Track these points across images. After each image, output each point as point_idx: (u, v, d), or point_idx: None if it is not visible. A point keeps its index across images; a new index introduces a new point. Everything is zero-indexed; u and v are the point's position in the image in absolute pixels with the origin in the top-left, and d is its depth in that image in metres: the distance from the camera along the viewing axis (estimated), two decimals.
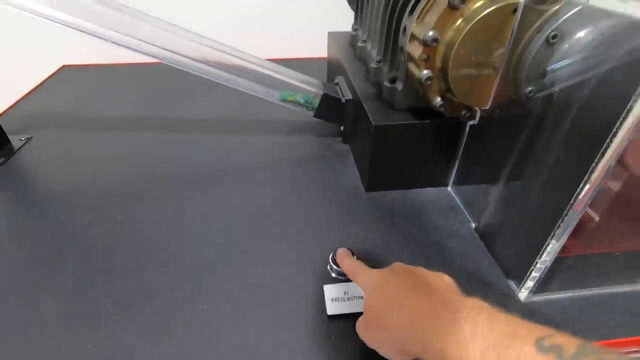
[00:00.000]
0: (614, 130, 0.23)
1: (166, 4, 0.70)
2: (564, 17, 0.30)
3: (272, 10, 0.82)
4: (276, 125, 0.59)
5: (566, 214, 0.28)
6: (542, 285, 0.33)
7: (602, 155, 0.24)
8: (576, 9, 0.30)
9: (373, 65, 0.47)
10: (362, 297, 0.32)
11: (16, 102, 0.65)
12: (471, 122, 0.41)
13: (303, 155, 0.53)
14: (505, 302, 0.34)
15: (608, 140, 0.24)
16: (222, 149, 0.54)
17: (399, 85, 0.41)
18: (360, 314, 0.28)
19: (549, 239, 0.29)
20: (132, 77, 0.74)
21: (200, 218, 0.42)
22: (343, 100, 0.50)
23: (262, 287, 0.34)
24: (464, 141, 0.42)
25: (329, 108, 0.52)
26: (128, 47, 0.42)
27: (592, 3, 0.29)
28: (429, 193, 0.46)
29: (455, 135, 0.42)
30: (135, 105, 0.65)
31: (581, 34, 0.29)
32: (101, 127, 0.58)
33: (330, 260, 0.35)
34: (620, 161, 0.26)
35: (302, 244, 0.39)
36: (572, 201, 0.27)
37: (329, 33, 0.69)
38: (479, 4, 0.32)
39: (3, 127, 0.53)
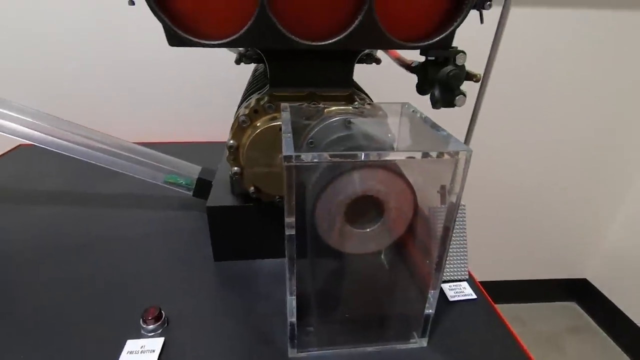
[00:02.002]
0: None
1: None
2: (316, 129, 0.42)
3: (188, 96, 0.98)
4: (169, 201, 0.70)
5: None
6: (304, 344, 0.40)
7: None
8: (322, 125, 0.42)
9: None
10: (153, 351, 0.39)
11: None
12: None
13: (179, 228, 0.62)
14: (279, 356, 0.40)
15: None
16: (112, 222, 0.63)
17: (235, 176, 0.52)
18: None
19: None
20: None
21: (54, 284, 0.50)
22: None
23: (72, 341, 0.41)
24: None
25: (204, 189, 0.62)
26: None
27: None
28: (271, 263, 0.55)
29: (278, 216, 0.52)
30: (53, 182, 0.76)
31: (326, 140, 0.41)
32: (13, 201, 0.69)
33: (141, 319, 0.42)
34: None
35: (124, 303, 0.46)
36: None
37: None
38: (259, 123, 0.45)
39: None
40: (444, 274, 0.50)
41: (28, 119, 0.58)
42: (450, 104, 0.42)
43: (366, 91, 0.52)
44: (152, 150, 0.63)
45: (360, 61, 0.50)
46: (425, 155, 0.31)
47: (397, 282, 0.42)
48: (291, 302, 0.37)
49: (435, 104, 0.43)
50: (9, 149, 0.89)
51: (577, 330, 1.38)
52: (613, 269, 1.32)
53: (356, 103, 0.44)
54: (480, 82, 0.43)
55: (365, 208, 0.35)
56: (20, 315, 0.44)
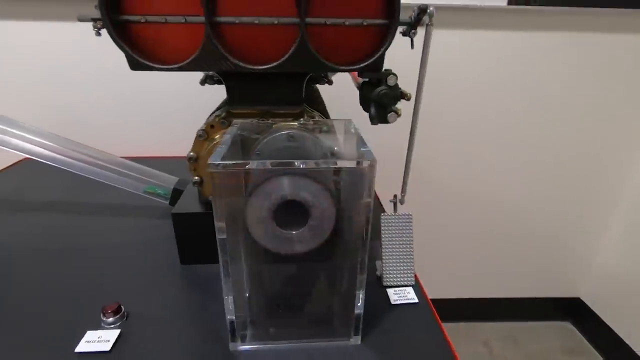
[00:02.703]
0: None
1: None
2: (262, 142, 0.47)
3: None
4: (153, 211, 0.75)
5: None
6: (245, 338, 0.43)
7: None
8: (268, 138, 0.47)
9: None
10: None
11: None
12: None
13: (156, 234, 0.67)
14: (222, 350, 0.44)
15: None
16: (96, 229, 0.69)
17: (196, 185, 0.57)
18: None
19: None
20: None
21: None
22: None
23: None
24: None
25: (178, 198, 0.67)
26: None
27: None
28: None
29: None
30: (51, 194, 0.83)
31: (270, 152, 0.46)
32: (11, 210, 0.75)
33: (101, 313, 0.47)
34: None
35: (91, 300, 0.50)
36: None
37: None
38: (216, 136, 0.50)
39: None
40: (389, 279, 0.53)
41: (32, 137, 0.65)
42: (384, 120, 0.46)
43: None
44: (135, 163, 0.69)
45: (315, 81, 0.55)
46: (324, 165, 0.35)
47: (335, 283, 0.45)
48: (228, 301, 0.41)
49: (372, 120, 0.48)
50: (15, 161, 0.97)
51: (571, 350, 1.35)
52: (605, 288, 1.30)
53: (302, 120, 0.49)
54: (415, 99, 0.47)
55: (294, 212, 0.39)
56: None
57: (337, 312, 0.45)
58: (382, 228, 0.56)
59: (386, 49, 0.43)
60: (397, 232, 0.56)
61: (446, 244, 1.28)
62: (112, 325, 0.46)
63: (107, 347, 0.43)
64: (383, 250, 0.55)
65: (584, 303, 1.38)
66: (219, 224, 0.37)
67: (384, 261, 0.54)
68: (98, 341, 0.44)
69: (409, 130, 0.47)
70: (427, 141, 1.09)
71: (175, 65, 0.43)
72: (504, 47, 1.00)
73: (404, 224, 0.57)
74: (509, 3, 0.93)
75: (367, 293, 0.52)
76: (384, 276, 0.54)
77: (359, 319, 0.43)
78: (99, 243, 0.64)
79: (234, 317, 0.42)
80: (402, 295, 0.52)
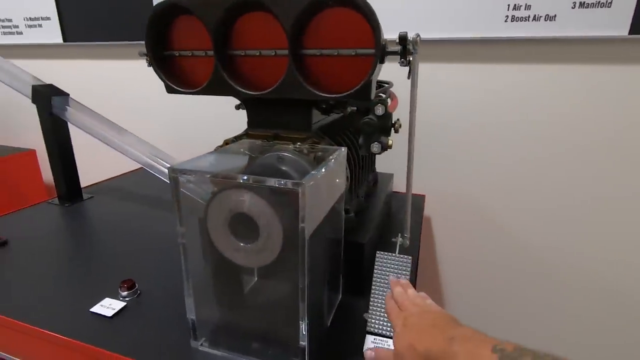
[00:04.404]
0: None
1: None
2: (258, 160, 0.51)
3: None
4: None
5: None
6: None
7: None
8: (262, 157, 0.50)
9: None
10: None
11: (102, 181, 1.12)
12: None
13: None
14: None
15: None
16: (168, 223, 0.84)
17: None
18: None
19: None
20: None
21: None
22: None
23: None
24: None
25: None
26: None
27: None
28: None
29: None
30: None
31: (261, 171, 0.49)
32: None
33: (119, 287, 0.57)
34: None
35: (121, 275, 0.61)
36: None
37: None
38: None
39: (81, 186, 0.97)
40: (372, 325, 0.48)
41: (146, 149, 0.85)
42: (368, 149, 0.45)
43: None
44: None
45: (327, 111, 0.57)
46: (256, 181, 0.36)
47: (284, 307, 0.44)
48: (189, 301, 0.45)
49: (360, 149, 0.46)
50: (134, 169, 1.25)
51: None
52: None
53: (298, 144, 0.51)
54: (409, 132, 0.44)
55: (248, 226, 0.41)
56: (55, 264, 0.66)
57: (286, 338, 0.44)
58: (376, 267, 0.52)
59: (370, 77, 0.42)
60: (392, 274, 0.51)
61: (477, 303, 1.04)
62: (129, 299, 0.56)
63: (109, 313, 0.52)
64: (373, 291, 0.51)
65: None
66: (179, 229, 0.42)
67: (371, 302, 0.50)
68: (108, 307, 0.54)
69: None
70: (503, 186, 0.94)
71: (195, 90, 0.52)
72: (624, 82, 0.80)
73: (401, 267, 0.51)
74: (631, 32, 0.75)
75: (347, 329, 0.49)
76: (368, 320, 0.49)
77: (304, 352, 0.41)
78: (160, 234, 0.78)
79: (194, 317, 0.46)
80: (379, 346, 0.47)
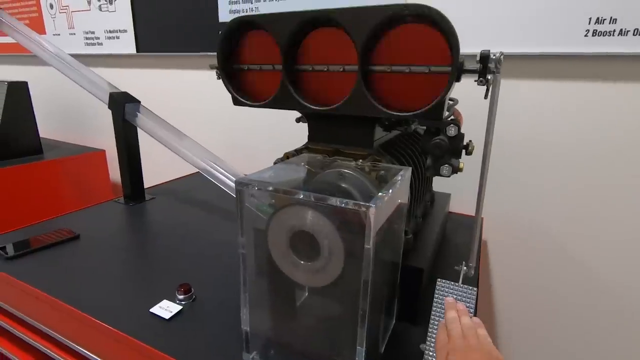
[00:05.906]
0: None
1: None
2: (318, 175, 0.50)
3: None
4: None
5: None
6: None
7: None
8: (324, 172, 0.50)
9: None
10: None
11: (161, 183, 1.18)
12: None
13: None
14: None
15: None
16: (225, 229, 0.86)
17: None
18: None
19: None
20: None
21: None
22: None
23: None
24: None
25: None
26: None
27: None
28: None
29: None
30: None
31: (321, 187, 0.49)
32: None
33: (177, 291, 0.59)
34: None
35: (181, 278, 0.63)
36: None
37: None
38: None
39: (144, 187, 1.03)
40: (428, 358, 0.45)
41: (201, 153, 0.89)
42: (437, 172, 0.42)
43: None
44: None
45: (389, 128, 0.55)
46: (321, 200, 0.35)
47: (343, 331, 0.43)
48: (244, 312, 0.45)
49: (427, 170, 0.44)
50: (190, 172, 1.31)
51: None
52: None
53: (360, 161, 0.49)
54: (483, 152, 0.41)
55: (309, 244, 0.41)
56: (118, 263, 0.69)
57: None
58: (436, 296, 0.49)
59: (443, 96, 0.40)
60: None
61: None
62: (185, 302, 0.57)
63: (167, 316, 0.54)
64: (431, 321, 0.48)
65: None
66: (240, 239, 0.42)
67: (429, 334, 0.47)
68: (166, 309, 0.55)
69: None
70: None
71: (261, 103, 0.53)
72: None
73: (464, 299, 0.48)
74: None
75: (400, 358, 0.47)
76: (425, 352, 0.46)
77: None
78: (220, 240, 0.80)
79: (248, 329, 0.45)
80: None
